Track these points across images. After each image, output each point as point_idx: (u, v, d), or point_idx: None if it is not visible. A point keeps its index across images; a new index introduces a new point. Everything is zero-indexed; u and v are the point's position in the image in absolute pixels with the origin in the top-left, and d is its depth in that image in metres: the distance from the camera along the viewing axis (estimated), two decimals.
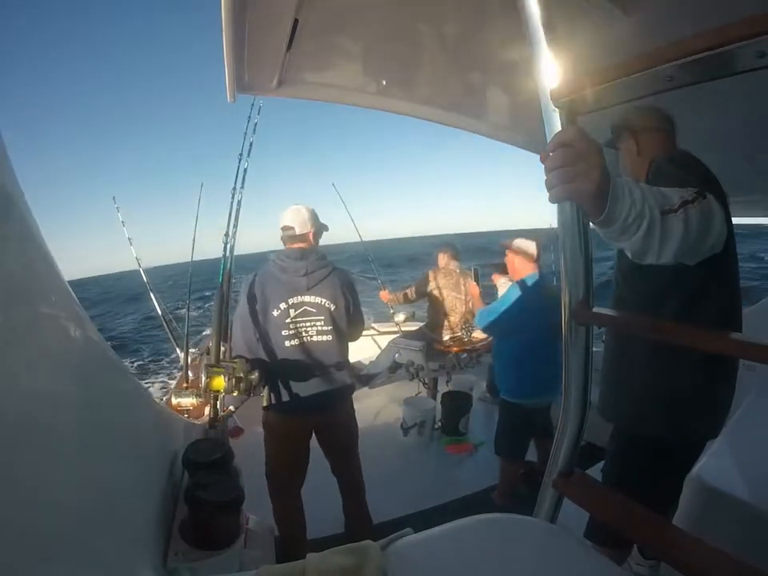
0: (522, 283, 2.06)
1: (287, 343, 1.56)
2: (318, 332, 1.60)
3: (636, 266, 0.98)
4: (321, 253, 1.66)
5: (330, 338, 1.62)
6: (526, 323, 2.01)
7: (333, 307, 1.62)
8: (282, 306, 1.55)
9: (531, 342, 2.02)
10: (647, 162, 1.06)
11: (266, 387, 1.58)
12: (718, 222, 0.65)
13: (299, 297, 1.57)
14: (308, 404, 1.58)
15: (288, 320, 1.55)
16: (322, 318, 1.60)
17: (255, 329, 1.55)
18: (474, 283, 2.49)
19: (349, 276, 1.73)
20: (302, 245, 1.64)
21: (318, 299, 1.60)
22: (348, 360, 1.74)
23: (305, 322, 1.58)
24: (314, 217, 1.67)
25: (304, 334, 1.58)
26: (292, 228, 1.62)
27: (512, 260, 2.10)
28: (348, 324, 1.69)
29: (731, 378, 1.05)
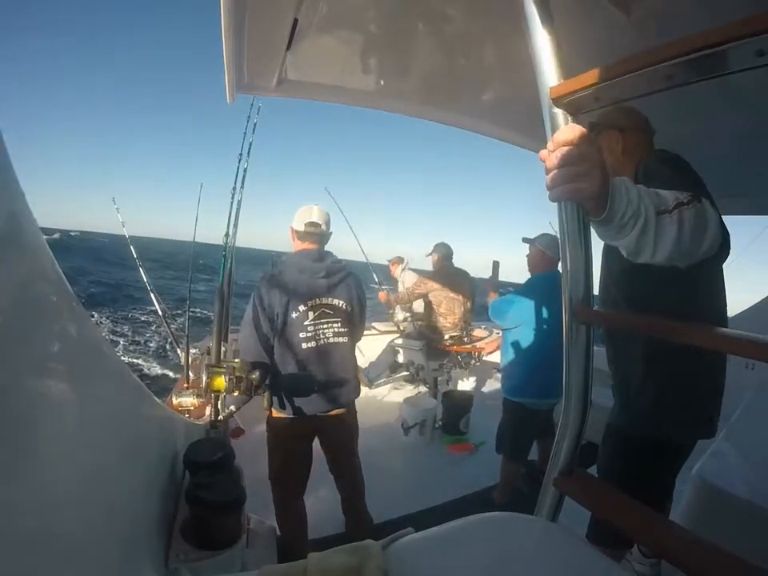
0: (539, 278, 2.14)
1: (304, 345, 1.55)
2: (334, 333, 1.60)
3: (627, 270, 0.99)
4: (334, 255, 1.67)
5: (345, 339, 1.63)
6: (537, 316, 2.04)
7: (349, 309, 1.64)
8: (302, 307, 1.54)
9: (541, 341, 2.03)
10: (632, 162, 1.07)
11: (274, 389, 1.56)
12: (713, 226, 0.65)
13: (318, 299, 1.57)
14: (321, 405, 1.59)
15: (307, 322, 1.55)
16: (339, 319, 1.61)
17: (270, 331, 1.53)
18: (492, 275, 2.51)
19: (360, 278, 1.75)
20: (319, 245, 1.63)
21: (336, 301, 1.61)
22: (356, 360, 1.76)
23: (323, 323, 1.58)
24: None
25: (321, 335, 1.58)
26: (320, 225, 1.60)
27: (535, 256, 2.17)
28: (359, 325, 1.72)
29: (721, 377, 1.06)
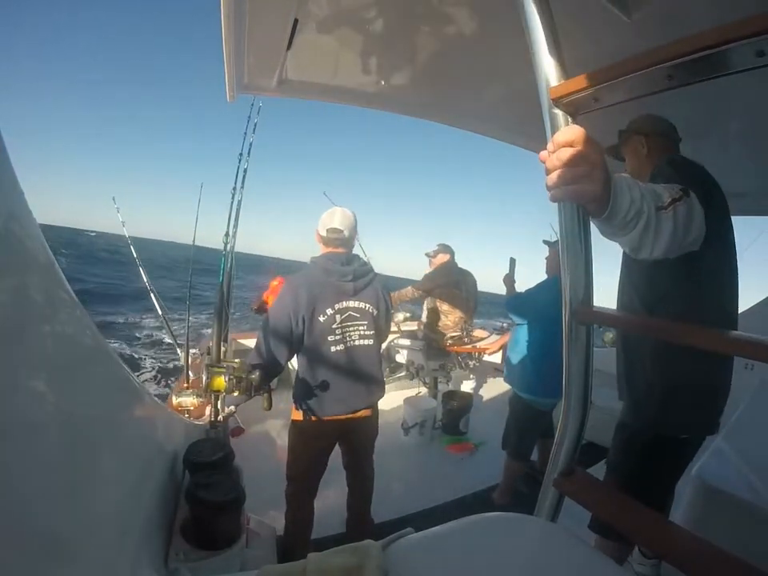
0: (555, 278, 2.14)
1: (333, 348, 1.54)
2: (360, 336, 1.61)
3: (646, 273, 1.01)
4: (361, 258, 1.67)
5: (371, 341, 1.64)
6: (550, 314, 2.04)
7: (375, 312, 1.64)
8: (329, 311, 1.54)
9: (551, 340, 2.03)
10: (652, 165, 1.10)
11: (301, 391, 1.57)
12: (698, 220, 0.69)
13: (344, 302, 1.57)
14: (348, 406, 1.59)
15: (334, 325, 1.54)
16: (366, 322, 1.61)
17: (296, 333, 1.51)
18: (508, 273, 2.51)
19: (385, 281, 1.74)
20: (345, 249, 1.63)
21: (362, 304, 1.61)
22: (381, 361, 1.77)
23: (349, 326, 1.58)
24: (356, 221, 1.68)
25: (348, 338, 1.58)
26: (341, 231, 1.60)
27: (554, 258, 2.20)
28: (384, 327, 1.74)
29: (727, 375, 1.08)
